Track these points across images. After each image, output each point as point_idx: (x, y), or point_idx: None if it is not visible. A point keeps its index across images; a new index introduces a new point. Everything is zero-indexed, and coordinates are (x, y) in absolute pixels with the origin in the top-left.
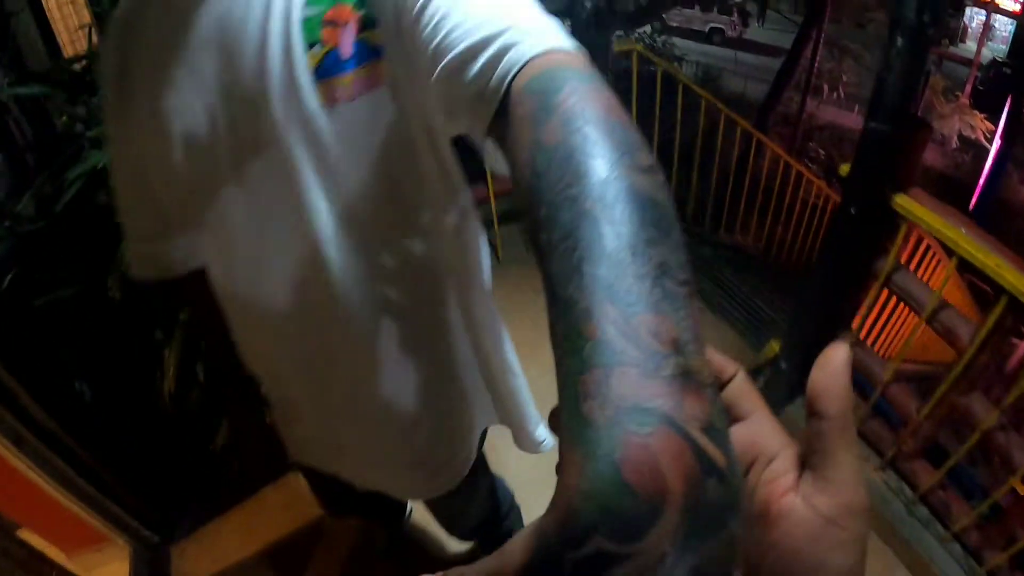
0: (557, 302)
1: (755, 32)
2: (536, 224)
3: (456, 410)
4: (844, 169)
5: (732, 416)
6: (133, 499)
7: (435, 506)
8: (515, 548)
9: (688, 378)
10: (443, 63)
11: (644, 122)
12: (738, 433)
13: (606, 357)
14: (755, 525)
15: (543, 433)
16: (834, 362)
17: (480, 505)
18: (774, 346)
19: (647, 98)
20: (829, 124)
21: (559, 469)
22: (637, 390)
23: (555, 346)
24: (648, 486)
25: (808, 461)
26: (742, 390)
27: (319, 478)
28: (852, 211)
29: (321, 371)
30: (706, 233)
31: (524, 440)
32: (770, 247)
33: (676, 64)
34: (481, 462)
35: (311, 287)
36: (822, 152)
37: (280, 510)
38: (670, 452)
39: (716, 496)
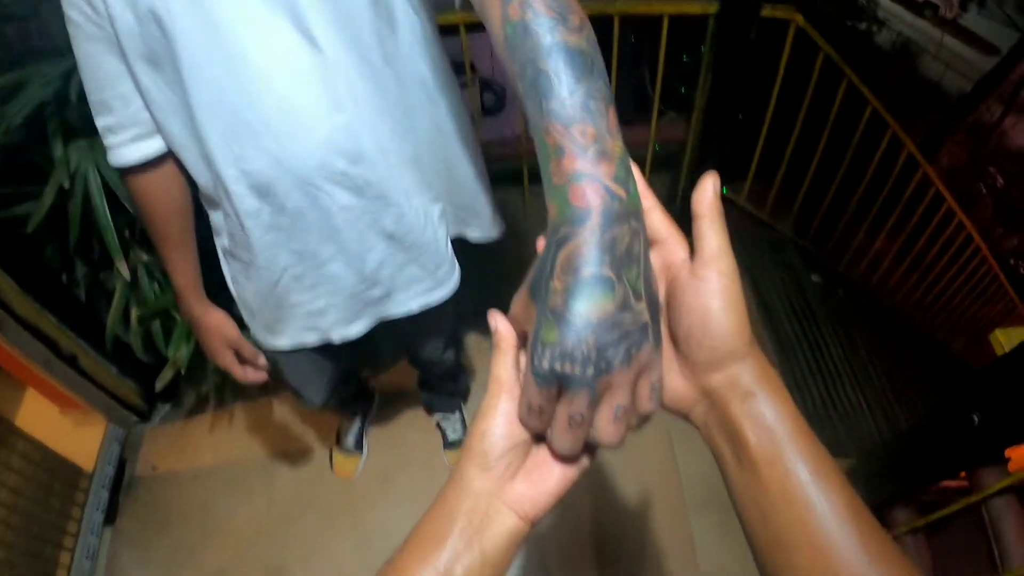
0: (533, 128)
1: (972, 19)
2: (514, 74)
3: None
4: None
5: (652, 239)
6: (115, 380)
7: (407, 330)
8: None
9: (603, 154)
10: None
11: (788, 104)
12: (657, 251)
13: (557, 152)
14: (670, 302)
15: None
16: (706, 183)
17: (455, 322)
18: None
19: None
20: (1021, 152)
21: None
22: (576, 165)
23: (537, 151)
24: (582, 204)
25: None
26: (658, 220)
27: (298, 366)
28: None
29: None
30: (824, 258)
31: (482, 226)
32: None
33: (875, 27)
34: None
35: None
36: (1000, 181)
37: (247, 431)
38: (592, 190)
39: (619, 208)
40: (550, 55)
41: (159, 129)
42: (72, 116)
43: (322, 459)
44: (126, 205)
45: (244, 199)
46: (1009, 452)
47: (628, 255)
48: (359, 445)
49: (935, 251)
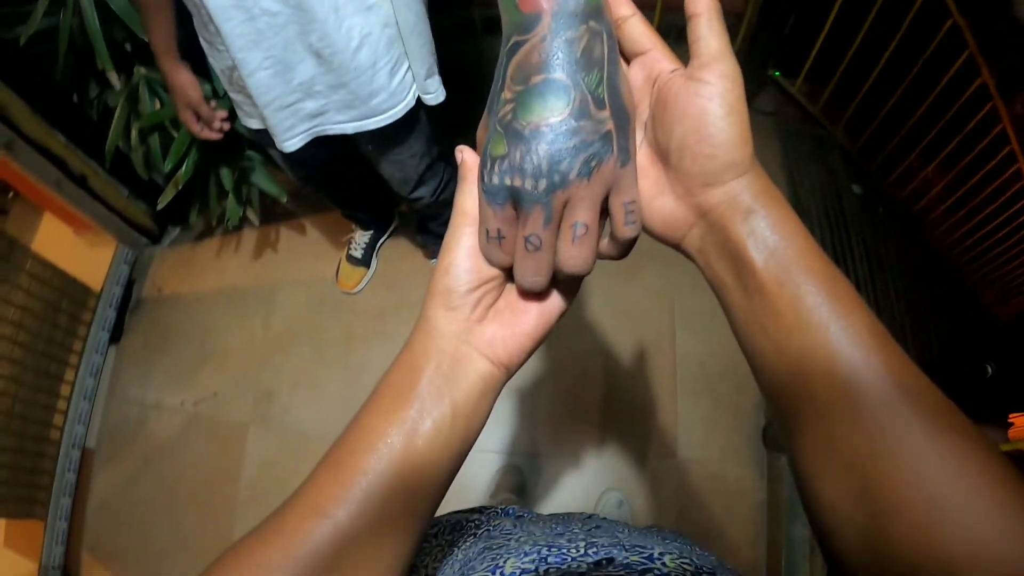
0: None
1: None
2: None
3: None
4: None
5: (634, 51)
6: (125, 202)
7: (385, 153)
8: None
9: None
10: None
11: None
12: (640, 63)
13: None
14: (657, 114)
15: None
16: None
17: (422, 159)
18: None
19: None
20: None
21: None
22: None
23: None
24: (531, 8)
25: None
26: (639, 30)
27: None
28: None
29: None
30: (871, 170)
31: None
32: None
33: None
34: (420, 123)
35: None
36: None
37: (252, 257)
38: None
39: (574, 6)
40: None
41: None
42: None
43: (322, 294)
44: (124, 20)
45: None
46: (1013, 417)
47: (587, 58)
48: (367, 261)
49: (986, 193)
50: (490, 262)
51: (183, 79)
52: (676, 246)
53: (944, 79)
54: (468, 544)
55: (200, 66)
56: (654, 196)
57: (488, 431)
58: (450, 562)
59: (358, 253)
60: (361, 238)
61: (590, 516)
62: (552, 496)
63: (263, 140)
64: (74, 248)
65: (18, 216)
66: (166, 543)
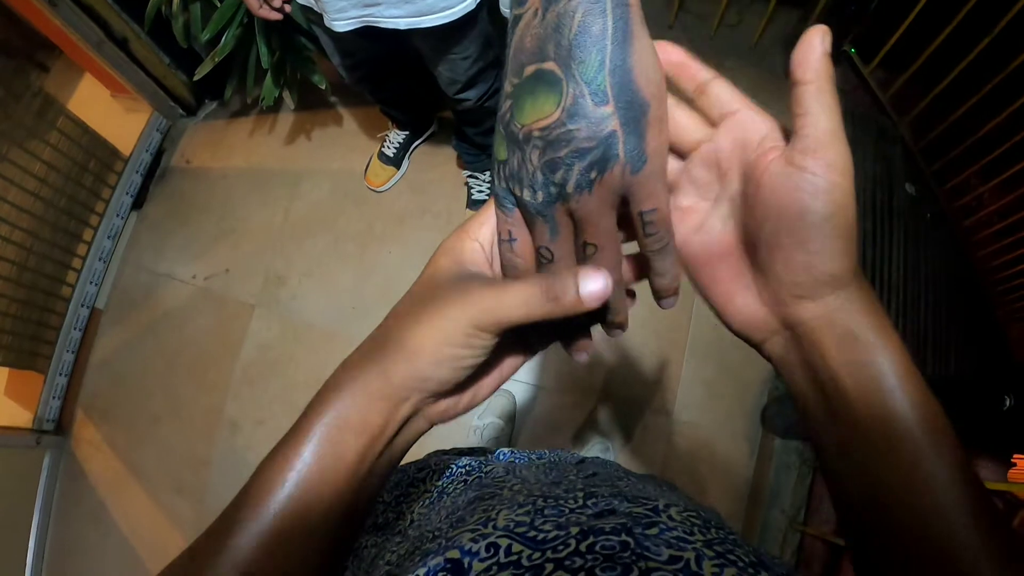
0: None
1: None
2: None
3: None
4: None
5: (721, 113)
6: (165, 70)
7: (439, 52)
8: None
9: None
10: None
11: None
12: (728, 126)
13: None
14: (749, 193)
15: None
16: (813, 39)
17: (475, 62)
18: None
19: None
20: None
21: None
22: None
23: None
24: None
25: (793, 126)
26: (723, 91)
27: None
28: None
29: None
30: (928, 174)
31: None
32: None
33: None
34: (479, 25)
35: None
36: None
37: (284, 142)
38: None
39: None
40: None
41: None
42: None
43: (347, 188)
44: None
45: None
46: (1018, 458)
47: (583, 38)
48: (398, 161)
49: None
50: (507, 267)
51: None
52: (755, 346)
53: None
54: (457, 491)
55: None
56: (736, 291)
57: None
58: (437, 509)
59: (391, 152)
60: (396, 137)
61: (583, 460)
62: (538, 431)
63: (314, 19)
64: (109, 110)
65: (58, 74)
66: (159, 409)
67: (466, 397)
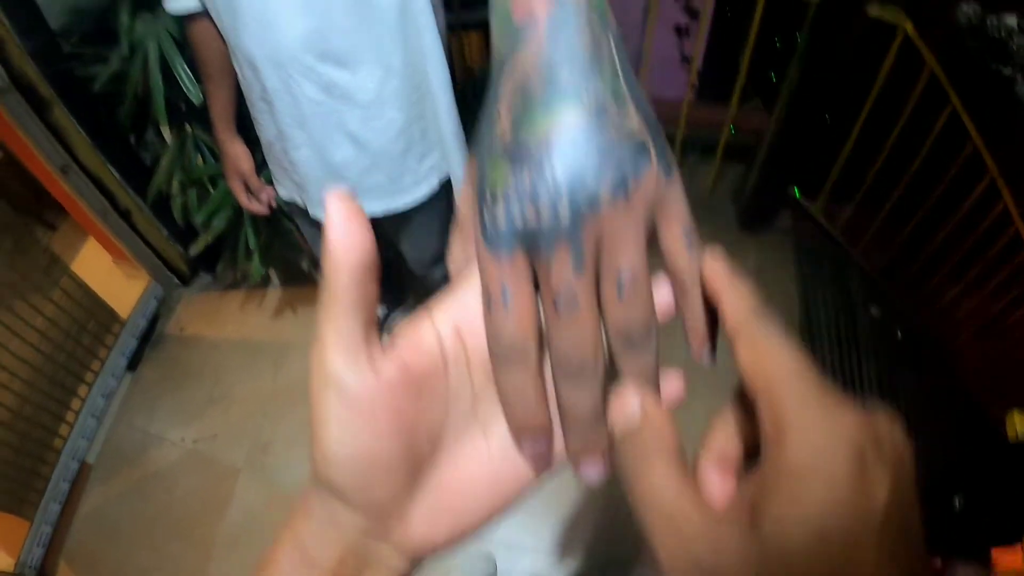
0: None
1: None
2: None
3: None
4: None
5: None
6: (163, 242)
7: (404, 232)
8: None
9: None
10: None
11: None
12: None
13: None
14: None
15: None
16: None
17: (440, 241)
18: None
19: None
20: None
21: None
22: None
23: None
24: (524, 15)
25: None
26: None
27: (311, 228)
28: None
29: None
30: (891, 293)
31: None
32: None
33: (1018, 75)
34: (443, 203)
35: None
36: None
37: (273, 314)
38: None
39: (572, 5)
40: None
41: None
42: None
43: None
44: (182, 85)
45: (243, 68)
46: (996, 553)
47: (595, 53)
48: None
49: (1016, 318)
50: (496, 349)
51: (237, 149)
52: None
53: (965, 204)
54: None
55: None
56: None
57: None
58: None
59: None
60: (381, 311)
61: None
62: None
63: (293, 211)
64: (110, 275)
65: (64, 234)
66: (144, 563)
67: (463, 512)
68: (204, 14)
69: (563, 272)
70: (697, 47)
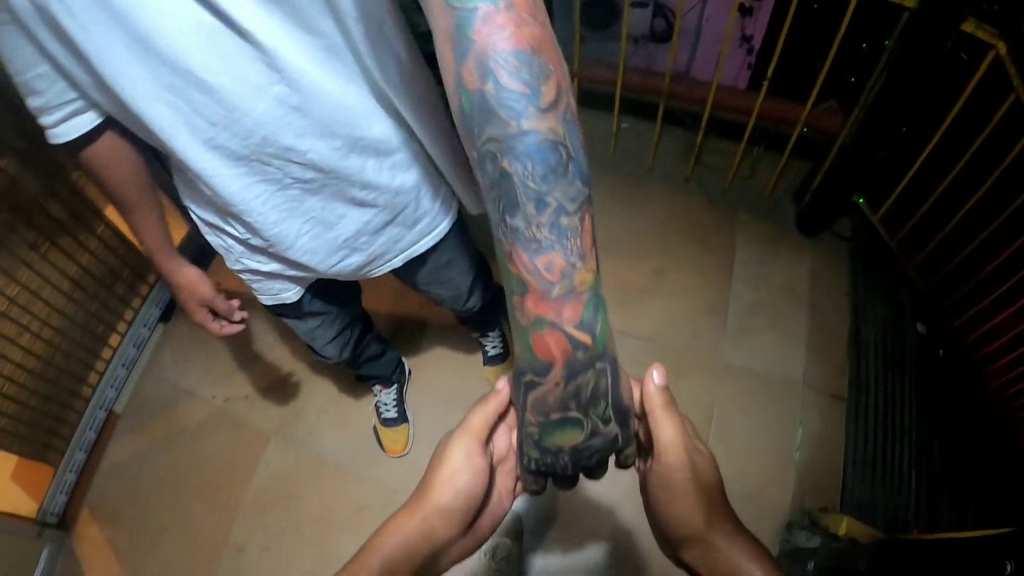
0: (495, 237)
1: None
2: (472, 160)
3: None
4: None
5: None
6: None
7: (436, 278)
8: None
9: (569, 294)
10: None
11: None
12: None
13: (520, 288)
14: (640, 486)
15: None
16: (648, 377)
17: (469, 272)
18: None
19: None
20: None
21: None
22: (539, 309)
23: (499, 264)
24: (544, 356)
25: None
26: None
27: (300, 321)
28: None
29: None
30: (940, 312)
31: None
32: None
33: None
34: (463, 236)
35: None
36: None
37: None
38: (555, 341)
39: (583, 357)
40: (515, 152)
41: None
42: None
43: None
44: None
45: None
46: None
47: (594, 395)
48: (404, 416)
49: None
50: (528, 491)
51: (190, 276)
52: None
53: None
54: None
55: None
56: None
57: None
58: None
59: (392, 413)
60: (387, 396)
61: None
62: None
63: (286, 312)
64: None
65: None
66: (166, 521)
67: (468, 539)
68: (102, 128)
69: (567, 485)
70: (757, 30)
